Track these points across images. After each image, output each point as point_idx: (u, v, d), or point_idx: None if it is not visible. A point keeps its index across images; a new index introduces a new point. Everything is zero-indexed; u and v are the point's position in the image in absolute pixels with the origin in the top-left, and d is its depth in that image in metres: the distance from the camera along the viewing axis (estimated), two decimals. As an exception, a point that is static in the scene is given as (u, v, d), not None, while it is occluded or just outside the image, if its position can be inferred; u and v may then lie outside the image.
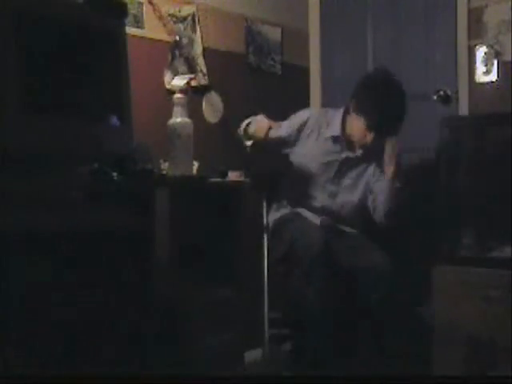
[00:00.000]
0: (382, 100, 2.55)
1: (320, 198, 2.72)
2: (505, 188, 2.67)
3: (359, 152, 2.72)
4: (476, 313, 2.46)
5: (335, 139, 2.71)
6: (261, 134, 2.59)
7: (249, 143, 2.65)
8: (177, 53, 2.87)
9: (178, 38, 2.87)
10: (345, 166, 2.72)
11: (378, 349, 2.63)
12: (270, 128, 2.59)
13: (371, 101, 2.57)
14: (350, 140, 2.71)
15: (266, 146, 2.63)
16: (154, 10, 2.78)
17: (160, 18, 2.80)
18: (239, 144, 2.73)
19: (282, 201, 2.79)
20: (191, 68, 2.92)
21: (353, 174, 2.74)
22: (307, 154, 2.72)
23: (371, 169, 2.74)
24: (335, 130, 2.71)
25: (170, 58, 2.84)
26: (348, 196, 2.73)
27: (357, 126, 2.64)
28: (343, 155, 2.72)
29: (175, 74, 2.83)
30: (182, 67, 2.89)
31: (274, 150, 2.74)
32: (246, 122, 2.72)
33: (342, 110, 2.73)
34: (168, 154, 2.38)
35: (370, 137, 2.61)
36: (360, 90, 2.63)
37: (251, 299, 2.50)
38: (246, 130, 2.70)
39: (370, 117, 2.57)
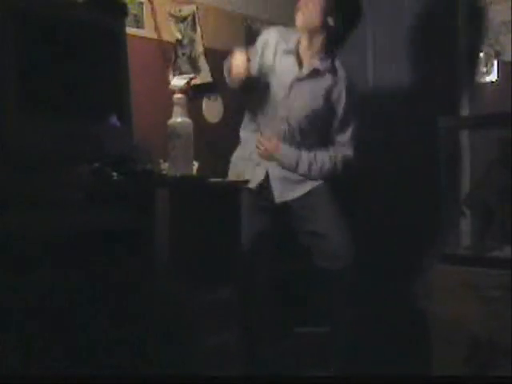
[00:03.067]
0: None
1: (275, 119, 2.68)
2: (505, 188, 2.67)
3: (309, 70, 2.65)
4: (476, 313, 2.46)
5: (288, 52, 2.66)
6: (239, 72, 2.53)
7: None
8: (178, 52, 2.88)
9: (179, 37, 2.87)
10: (297, 86, 2.65)
11: (378, 349, 2.63)
12: (248, 62, 2.52)
13: None
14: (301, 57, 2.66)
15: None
16: (154, 12, 2.78)
17: (160, 19, 2.81)
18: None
19: None
20: (192, 68, 2.92)
21: (306, 93, 2.65)
22: (266, 72, 2.68)
23: (334, 93, 2.67)
24: (290, 44, 2.67)
25: (170, 57, 2.84)
26: (301, 115, 2.65)
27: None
28: (295, 74, 2.66)
29: (176, 73, 2.84)
30: (184, 67, 2.89)
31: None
32: (227, 64, 2.65)
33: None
34: (168, 154, 2.38)
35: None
36: None
37: (251, 299, 2.50)
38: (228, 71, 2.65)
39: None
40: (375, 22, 3.43)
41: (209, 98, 3.03)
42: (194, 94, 2.89)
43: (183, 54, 2.89)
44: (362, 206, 3.23)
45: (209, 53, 2.98)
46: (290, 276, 2.83)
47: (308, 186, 2.68)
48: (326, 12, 2.57)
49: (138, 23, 2.71)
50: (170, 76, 2.83)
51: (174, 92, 2.60)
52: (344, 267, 2.55)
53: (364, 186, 3.23)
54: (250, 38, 3.25)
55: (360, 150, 2.76)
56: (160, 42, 2.82)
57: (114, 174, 2.04)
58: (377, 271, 3.05)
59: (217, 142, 2.99)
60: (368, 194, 3.27)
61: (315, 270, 2.64)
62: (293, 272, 2.80)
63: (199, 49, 2.95)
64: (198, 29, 2.94)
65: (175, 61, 2.86)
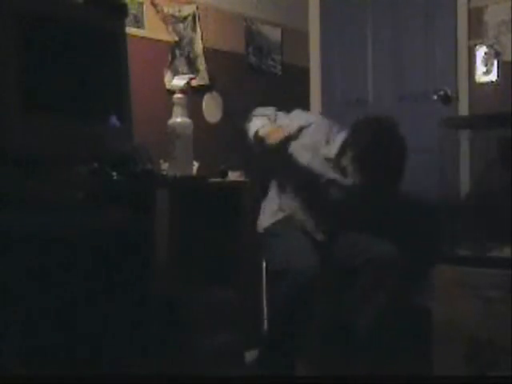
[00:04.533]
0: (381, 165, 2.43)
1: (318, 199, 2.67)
2: (505, 188, 2.67)
3: (349, 182, 2.61)
4: (476, 313, 2.46)
5: (328, 160, 2.61)
6: (273, 141, 2.43)
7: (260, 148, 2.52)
8: (177, 53, 2.87)
9: (178, 38, 2.87)
10: (332, 187, 2.64)
11: (378, 349, 2.63)
12: (284, 137, 2.44)
13: (370, 162, 2.44)
14: (343, 169, 2.59)
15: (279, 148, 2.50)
16: (158, 11, 2.78)
17: (163, 19, 2.81)
18: (241, 143, 2.70)
19: (276, 202, 2.70)
20: (192, 68, 2.92)
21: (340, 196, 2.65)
22: (302, 155, 2.62)
23: None
24: (331, 152, 2.60)
25: (170, 57, 2.84)
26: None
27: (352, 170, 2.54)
28: (331, 176, 2.63)
29: (175, 73, 2.84)
30: (183, 67, 2.89)
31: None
32: (257, 126, 2.51)
33: (343, 136, 2.59)
34: (168, 154, 2.38)
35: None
36: (361, 146, 2.47)
37: (251, 299, 2.50)
38: (256, 133, 2.51)
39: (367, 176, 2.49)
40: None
41: (209, 98, 3.03)
42: (194, 93, 2.89)
43: (181, 55, 2.89)
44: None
45: (208, 53, 2.98)
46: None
47: None
48: None
49: (138, 23, 2.71)
50: (166, 77, 2.82)
51: (173, 92, 2.60)
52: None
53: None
54: (250, 38, 3.26)
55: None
56: (160, 42, 2.82)
57: (114, 173, 2.04)
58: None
59: (217, 142, 2.99)
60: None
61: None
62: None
63: (198, 49, 2.94)
64: (198, 29, 2.94)
65: (172, 61, 2.85)
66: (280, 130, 2.47)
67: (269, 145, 2.45)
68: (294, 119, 2.67)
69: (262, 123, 2.53)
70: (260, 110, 2.66)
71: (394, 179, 2.50)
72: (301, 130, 2.62)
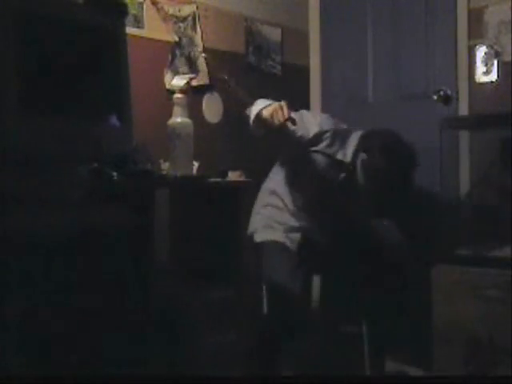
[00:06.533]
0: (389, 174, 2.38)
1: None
2: (504, 188, 2.67)
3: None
4: (476, 313, 2.46)
5: (341, 164, 2.49)
6: (276, 121, 2.21)
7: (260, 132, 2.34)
8: (177, 53, 2.87)
9: (178, 38, 2.87)
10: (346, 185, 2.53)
11: (378, 349, 2.63)
12: (288, 119, 2.22)
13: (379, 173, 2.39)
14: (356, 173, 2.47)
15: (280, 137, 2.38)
16: (158, 10, 2.78)
17: (164, 18, 2.81)
18: (240, 143, 2.68)
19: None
20: (192, 68, 2.92)
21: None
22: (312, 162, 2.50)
23: None
24: (346, 157, 2.48)
25: (170, 57, 2.84)
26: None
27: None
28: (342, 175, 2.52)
29: (175, 73, 2.84)
30: (183, 67, 2.89)
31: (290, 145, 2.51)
32: (260, 106, 2.32)
33: (355, 140, 2.49)
34: (168, 154, 2.38)
35: None
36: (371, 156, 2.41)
37: (251, 299, 2.50)
38: (258, 115, 2.31)
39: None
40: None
41: (209, 98, 3.03)
42: (194, 93, 2.89)
43: (181, 55, 2.89)
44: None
45: (208, 53, 2.98)
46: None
47: None
48: None
49: (138, 23, 2.71)
50: (166, 77, 2.82)
51: (173, 92, 2.60)
52: None
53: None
54: (250, 38, 3.26)
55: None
56: (160, 42, 2.82)
57: (114, 173, 2.04)
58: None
59: (217, 142, 2.99)
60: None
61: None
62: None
63: (198, 49, 2.95)
64: (198, 29, 2.94)
65: (172, 61, 2.85)
66: (285, 109, 2.22)
67: (272, 125, 2.24)
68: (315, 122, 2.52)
69: (266, 103, 2.32)
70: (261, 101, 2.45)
71: (406, 185, 2.48)
72: (322, 134, 2.47)
